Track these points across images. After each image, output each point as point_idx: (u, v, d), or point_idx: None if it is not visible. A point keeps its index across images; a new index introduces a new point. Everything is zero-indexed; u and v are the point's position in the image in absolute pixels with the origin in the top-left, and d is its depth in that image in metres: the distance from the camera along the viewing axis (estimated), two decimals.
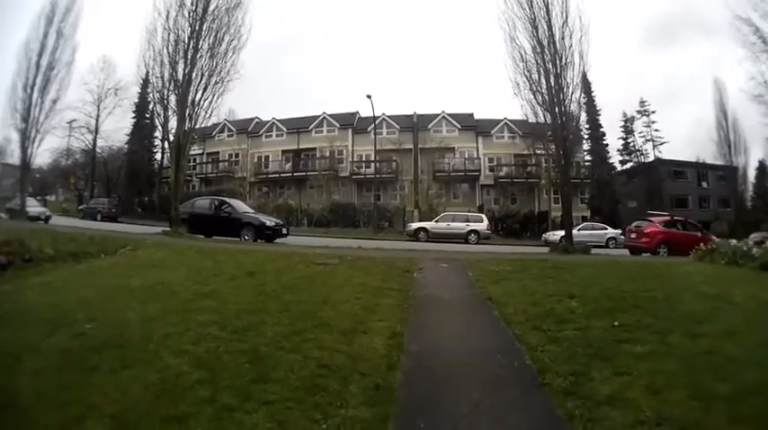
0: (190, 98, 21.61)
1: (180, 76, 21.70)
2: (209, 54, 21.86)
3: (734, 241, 14.34)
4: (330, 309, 6.92)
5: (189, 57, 21.64)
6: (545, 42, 19.73)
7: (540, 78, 19.86)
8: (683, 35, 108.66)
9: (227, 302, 7.07)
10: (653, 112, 56.85)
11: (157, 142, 52.67)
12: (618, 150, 57.70)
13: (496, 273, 10.70)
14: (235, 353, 5.07)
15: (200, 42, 21.78)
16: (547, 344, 5.72)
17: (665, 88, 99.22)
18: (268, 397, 4.18)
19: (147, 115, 51.54)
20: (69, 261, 10.81)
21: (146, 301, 7.00)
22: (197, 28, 21.71)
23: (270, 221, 20.79)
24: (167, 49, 21.78)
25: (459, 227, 30.32)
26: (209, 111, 22.27)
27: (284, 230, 20.92)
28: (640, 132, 57.37)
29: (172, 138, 23.35)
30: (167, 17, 21.73)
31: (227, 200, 22.51)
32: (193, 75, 21.69)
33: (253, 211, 22.83)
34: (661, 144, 56.52)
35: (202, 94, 21.75)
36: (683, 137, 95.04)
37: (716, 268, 12.18)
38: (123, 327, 5.75)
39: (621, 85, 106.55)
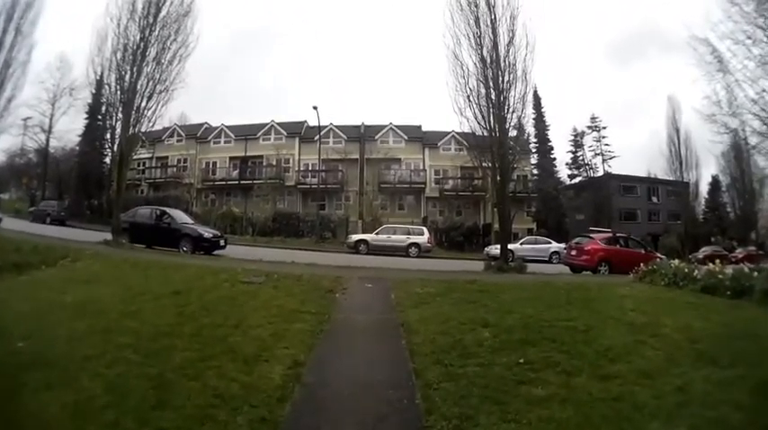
0: (135, 105, 21.69)
1: (126, 83, 21.80)
2: (155, 62, 22.00)
3: (676, 261, 14.46)
4: (240, 335, 7.08)
5: (137, 64, 21.73)
6: (488, 60, 19.82)
7: (480, 96, 19.97)
8: (643, 52, 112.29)
9: (147, 323, 7.25)
10: (604, 128, 58.83)
11: (108, 144, 51.44)
12: (567, 164, 59.32)
13: (419, 296, 10.77)
14: (143, 377, 5.27)
15: (148, 49, 21.89)
16: (444, 380, 5.60)
17: (622, 103, 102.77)
18: (163, 424, 4.35)
19: (100, 117, 50.64)
20: (13, 271, 11.20)
21: (75, 319, 7.29)
22: (146, 35, 21.82)
23: (207, 233, 21.14)
24: (116, 55, 21.88)
25: (400, 239, 30.80)
26: (152, 120, 22.49)
27: (222, 242, 21.27)
28: (590, 146, 59.25)
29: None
30: (119, 23, 21.85)
31: (168, 210, 22.76)
32: (139, 82, 21.78)
33: (192, 222, 23.00)
34: (611, 158, 58.68)
35: (147, 102, 21.93)
36: (638, 151, 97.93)
37: (654, 290, 12.30)
38: (51, 346, 6.00)
39: (579, 99, 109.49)
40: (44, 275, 11.39)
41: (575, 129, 60.38)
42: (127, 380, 5.23)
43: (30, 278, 10.90)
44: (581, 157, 60.11)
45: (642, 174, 61.68)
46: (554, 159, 55.76)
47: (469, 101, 20.09)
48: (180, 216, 22.78)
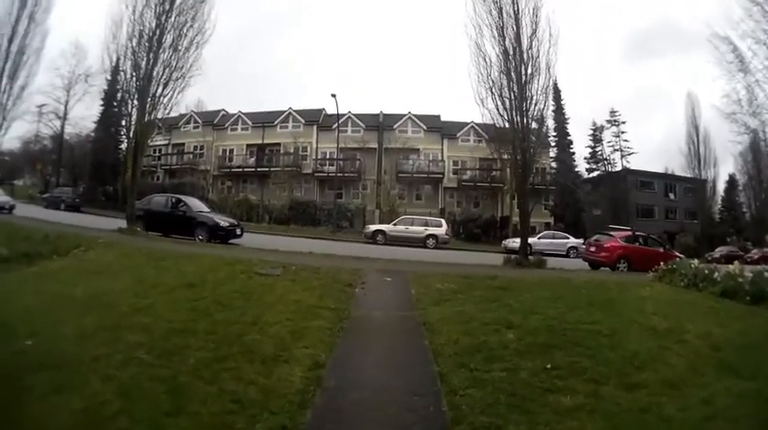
0: (151, 92, 21.44)
1: (142, 70, 21.55)
2: (171, 48, 21.68)
3: (695, 261, 14.21)
4: (257, 332, 6.82)
5: (153, 50, 21.44)
6: (511, 51, 19.34)
7: (503, 88, 19.47)
8: (662, 49, 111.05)
9: (160, 319, 7.01)
10: (623, 123, 58.20)
11: (124, 131, 51.19)
12: (585, 158, 58.77)
13: (439, 293, 10.55)
14: (156, 380, 5.03)
15: (164, 36, 21.57)
16: (470, 386, 5.36)
17: (640, 99, 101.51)
18: None
19: (115, 104, 50.62)
20: (23, 262, 11.01)
21: (84, 314, 7.03)
22: (162, 21, 21.47)
23: (224, 222, 20.90)
24: (132, 41, 21.56)
25: (418, 231, 30.61)
26: (168, 107, 22.24)
27: (238, 231, 21.07)
28: (609, 142, 58.64)
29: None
30: (134, 10, 21.49)
31: (183, 198, 22.56)
32: (155, 69, 21.48)
33: (208, 210, 22.80)
34: (629, 154, 57.94)
35: (163, 89, 21.63)
36: (654, 147, 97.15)
37: (673, 292, 12.06)
38: (60, 345, 5.74)
39: (598, 94, 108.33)
40: (55, 266, 11.11)
41: (594, 124, 59.71)
42: (139, 383, 5.00)
43: (39, 269, 10.64)
44: (600, 152, 59.43)
45: (658, 169, 61.68)
46: (573, 153, 55.14)
47: (491, 92, 19.58)
48: (196, 204, 22.49)
